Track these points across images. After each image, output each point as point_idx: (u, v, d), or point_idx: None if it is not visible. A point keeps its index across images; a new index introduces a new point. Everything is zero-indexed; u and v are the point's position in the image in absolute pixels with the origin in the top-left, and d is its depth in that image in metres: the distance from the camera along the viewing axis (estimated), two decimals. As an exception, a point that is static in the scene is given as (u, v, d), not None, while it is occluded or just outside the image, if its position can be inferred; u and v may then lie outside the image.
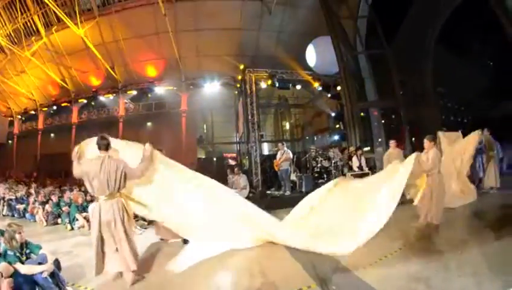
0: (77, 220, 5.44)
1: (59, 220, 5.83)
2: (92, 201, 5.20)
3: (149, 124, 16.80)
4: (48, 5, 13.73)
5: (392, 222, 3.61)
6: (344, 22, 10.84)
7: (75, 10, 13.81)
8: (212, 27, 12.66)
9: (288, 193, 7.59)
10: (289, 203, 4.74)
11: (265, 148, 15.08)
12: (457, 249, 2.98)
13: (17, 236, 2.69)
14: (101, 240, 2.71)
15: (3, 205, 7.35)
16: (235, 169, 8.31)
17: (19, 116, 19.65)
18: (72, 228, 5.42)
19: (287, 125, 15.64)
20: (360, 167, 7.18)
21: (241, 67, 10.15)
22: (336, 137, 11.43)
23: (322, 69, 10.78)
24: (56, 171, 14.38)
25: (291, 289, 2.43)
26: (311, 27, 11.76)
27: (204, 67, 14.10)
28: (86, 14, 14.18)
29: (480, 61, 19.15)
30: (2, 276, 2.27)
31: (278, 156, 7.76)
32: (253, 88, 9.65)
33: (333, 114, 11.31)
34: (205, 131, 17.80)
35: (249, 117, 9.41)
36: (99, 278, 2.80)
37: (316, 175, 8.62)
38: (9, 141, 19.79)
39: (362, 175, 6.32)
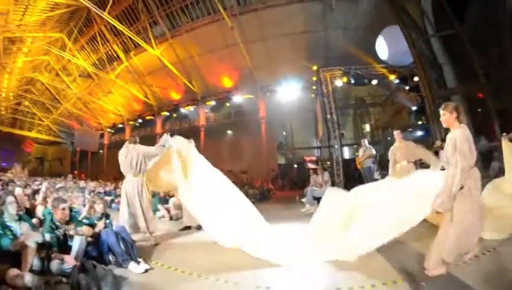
0: (159, 210, 6.02)
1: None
2: (172, 196, 6.12)
3: (229, 132, 17.82)
4: (124, 34, 15.97)
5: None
6: (408, 7, 10.40)
7: (148, 36, 15.84)
8: (279, 34, 13.22)
9: (372, 191, 7.60)
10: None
11: (346, 153, 14.48)
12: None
13: (96, 206, 3.08)
14: (128, 207, 3.60)
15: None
16: (318, 168, 8.70)
17: (108, 130, 23.35)
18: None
19: (367, 128, 15.01)
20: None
21: (314, 68, 10.52)
22: (420, 133, 10.93)
23: (396, 60, 10.47)
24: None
25: (375, 284, 2.36)
26: (377, 19, 11.51)
27: (278, 73, 14.62)
28: (158, 38, 16.10)
29: None
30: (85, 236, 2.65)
31: (360, 153, 7.62)
32: (329, 87, 9.87)
33: (414, 108, 10.86)
34: (285, 137, 17.94)
35: (328, 116, 9.69)
36: (168, 256, 3.20)
37: (401, 173, 8.34)
38: (101, 151, 23.64)
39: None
